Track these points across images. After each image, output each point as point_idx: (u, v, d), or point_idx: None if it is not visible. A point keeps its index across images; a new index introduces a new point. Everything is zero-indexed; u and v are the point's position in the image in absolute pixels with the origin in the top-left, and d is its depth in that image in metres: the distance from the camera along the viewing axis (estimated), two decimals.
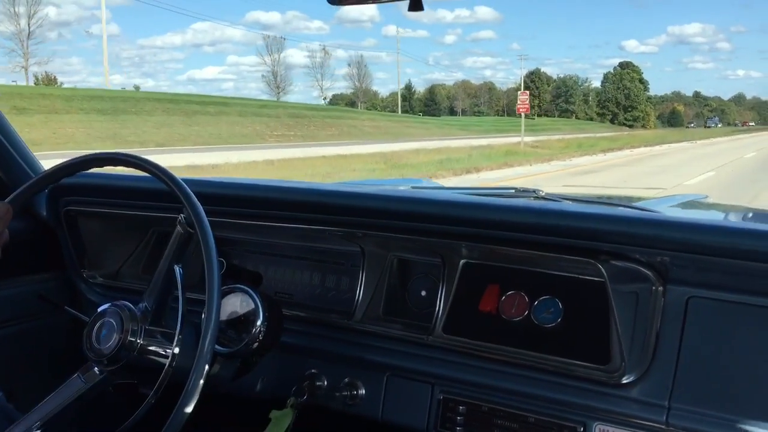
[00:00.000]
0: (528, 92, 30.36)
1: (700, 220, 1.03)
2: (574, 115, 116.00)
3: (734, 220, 1.41)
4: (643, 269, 1.09)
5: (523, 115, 28.91)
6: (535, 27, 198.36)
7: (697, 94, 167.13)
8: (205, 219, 1.07)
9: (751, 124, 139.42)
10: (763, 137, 56.15)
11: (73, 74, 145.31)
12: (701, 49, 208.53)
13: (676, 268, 1.07)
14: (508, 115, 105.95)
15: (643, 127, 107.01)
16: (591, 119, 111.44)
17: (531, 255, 1.19)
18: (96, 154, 1.19)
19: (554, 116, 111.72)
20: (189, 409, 0.98)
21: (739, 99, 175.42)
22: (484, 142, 32.95)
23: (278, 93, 79.29)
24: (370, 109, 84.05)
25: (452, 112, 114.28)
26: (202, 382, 0.99)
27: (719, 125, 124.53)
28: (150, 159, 1.18)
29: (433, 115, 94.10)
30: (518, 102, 28.67)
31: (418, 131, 48.44)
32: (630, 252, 1.07)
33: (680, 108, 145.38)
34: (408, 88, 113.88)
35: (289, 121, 40.93)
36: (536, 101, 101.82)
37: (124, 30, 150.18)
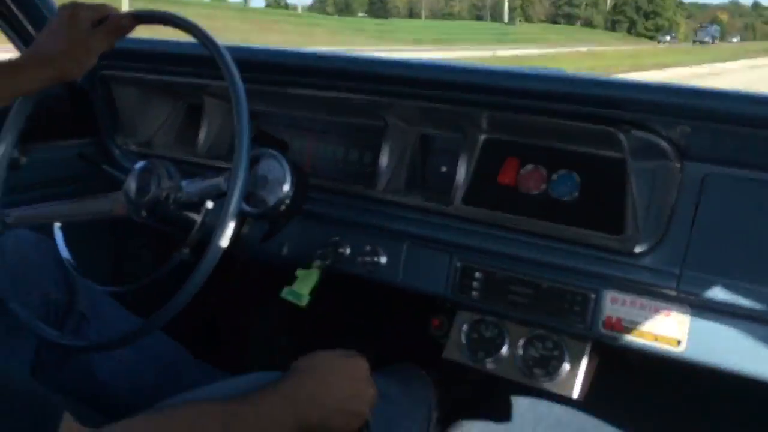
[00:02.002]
0: None
1: (723, 89, 1.04)
2: (579, 21, 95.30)
3: None
4: (662, 143, 1.11)
5: None
6: None
7: (756, 5, 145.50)
8: (239, 79, 1.09)
9: None
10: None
11: None
12: None
13: (695, 141, 1.09)
14: (487, 19, 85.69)
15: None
16: (608, 28, 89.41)
17: (552, 126, 1.20)
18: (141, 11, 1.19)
19: (559, 23, 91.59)
20: (215, 257, 1.02)
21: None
22: None
23: None
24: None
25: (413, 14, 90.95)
26: (230, 232, 1.03)
27: (715, 40, 78.55)
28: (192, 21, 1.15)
29: (380, 17, 73.60)
30: None
31: (290, 37, 30.24)
32: (651, 122, 1.08)
33: (724, 17, 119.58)
34: None
35: None
36: (520, 1, 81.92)
37: None
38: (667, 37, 71.32)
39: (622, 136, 1.10)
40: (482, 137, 1.34)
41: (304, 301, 1.34)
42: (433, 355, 1.40)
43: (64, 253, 1.27)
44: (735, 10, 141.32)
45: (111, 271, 1.81)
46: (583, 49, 41.25)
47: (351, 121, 1.51)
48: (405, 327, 1.66)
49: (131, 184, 1.21)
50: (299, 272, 1.37)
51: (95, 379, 1.24)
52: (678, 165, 1.12)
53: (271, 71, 1.40)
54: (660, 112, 1.06)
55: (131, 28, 1.18)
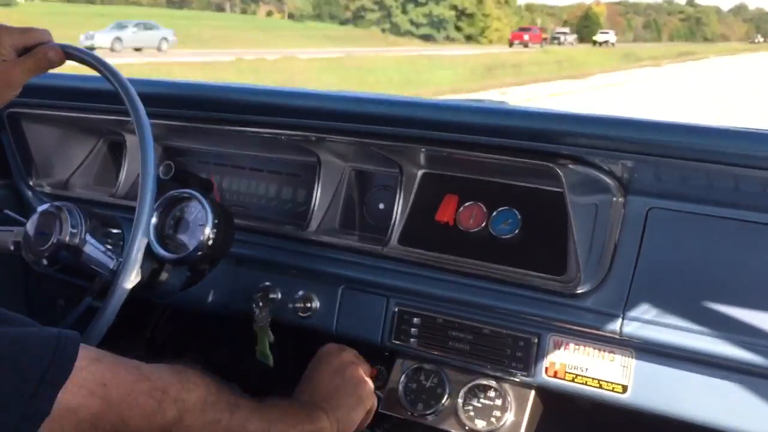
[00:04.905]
0: None
1: (664, 120, 1.00)
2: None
3: None
4: (604, 177, 1.06)
5: None
6: None
7: (690, 1, 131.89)
8: (145, 117, 1.02)
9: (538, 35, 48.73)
10: None
11: None
12: None
13: (637, 175, 1.04)
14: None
15: (479, 38, 54.25)
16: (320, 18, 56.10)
17: (490, 162, 1.15)
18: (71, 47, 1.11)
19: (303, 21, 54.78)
20: (117, 304, 0.96)
21: (738, 10, 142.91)
22: None
23: None
24: None
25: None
26: (132, 277, 0.96)
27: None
28: (97, 55, 1.11)
29: None
30: None
31: None
32: (590, 156, 1.03)
33: (600, 9, 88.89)
34: None
35: None
36: None
37: None
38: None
39: (560, 172, 1.05)
40: (420, 173, 1.29)
41: (271, 362, 1.33)
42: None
43: None
44: (659, 7, 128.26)
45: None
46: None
47: (282, 158, 1.44)
48: None
49: (31, 230, 1.11)
50: (256, 327, 1.31)
51: None
52: (621, 199, 1.08)
53: (193, 106, 1.32)
54: (600, 146, 1.01)
55: (59, 63, 1.09)
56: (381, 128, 1.17)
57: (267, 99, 1.27)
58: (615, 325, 1.06)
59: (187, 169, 1.49)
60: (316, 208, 1.33)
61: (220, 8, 62.28)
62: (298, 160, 1.41)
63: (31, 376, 0.63)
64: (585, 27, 79.03)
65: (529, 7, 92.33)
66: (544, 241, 1.18)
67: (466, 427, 1.20)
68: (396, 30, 55.55)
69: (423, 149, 1.19)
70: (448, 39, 56.54)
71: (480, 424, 1.20)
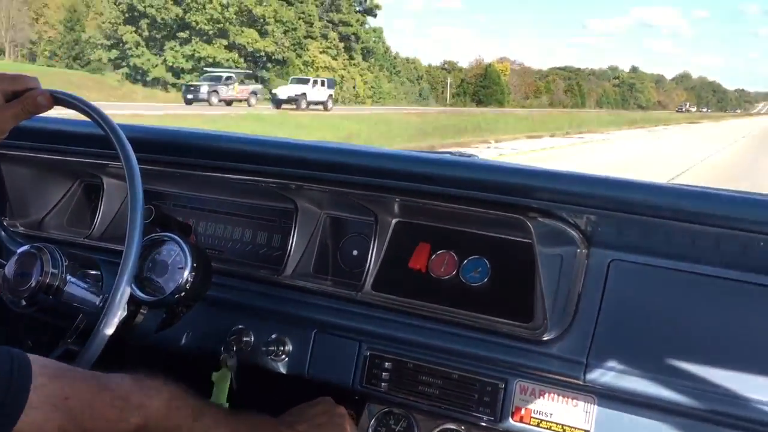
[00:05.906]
0: None
1: (627, 179, 1.07)
2: None
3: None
4: (569, 230, 1.12)
5: None
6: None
7: (634, 69, 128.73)
8: (134, 159, 1.05)
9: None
10: None
11: None
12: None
13: (600, 229, 1.10)
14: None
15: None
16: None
17: (462, 213, 1.20)
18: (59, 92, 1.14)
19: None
20: (99, 347, 0.96)
21: (682, 78, 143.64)
22: None
23: None
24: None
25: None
26: (116, 321, 0.97)
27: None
28: (86, 100, 1.14)
29: None
30: None
31: None
32: (558, 210, 1.09)
33: (502, 67, 78.84)
34: None
35: None
36: None
37: None
38: None
39: (529, 224, 1.11)
40: (393, 221, 1.33)
41: None
42: None
43: None
44: (602, 74, 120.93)
45: None
46: None
47: (258, 204, 1.47)
48: None
49: (11, 271, 1.12)
50: (214, 376, 1.29)
51: None
52: (585, 251, 1.13)
53: (173, 152, 1.35)
54: (566, 201, 1.08)
55: (48, 108, 1.11)
56: (359, 178, 1.22)
57: (248, 147, 1.31)
58: (578, 372, 1.11)
59: (165, 212, 1.51)
60: (291, 253, 1.36)
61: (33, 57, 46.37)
62: (275, 206, 1.44)
63: None
64: (483, 87, 68.71)
65: (450, 64, 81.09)
66: (512, 289, 1.23)
67: None
68: (142, 76, 37.12)
69: (398, 199, 1.23)
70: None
71: None
